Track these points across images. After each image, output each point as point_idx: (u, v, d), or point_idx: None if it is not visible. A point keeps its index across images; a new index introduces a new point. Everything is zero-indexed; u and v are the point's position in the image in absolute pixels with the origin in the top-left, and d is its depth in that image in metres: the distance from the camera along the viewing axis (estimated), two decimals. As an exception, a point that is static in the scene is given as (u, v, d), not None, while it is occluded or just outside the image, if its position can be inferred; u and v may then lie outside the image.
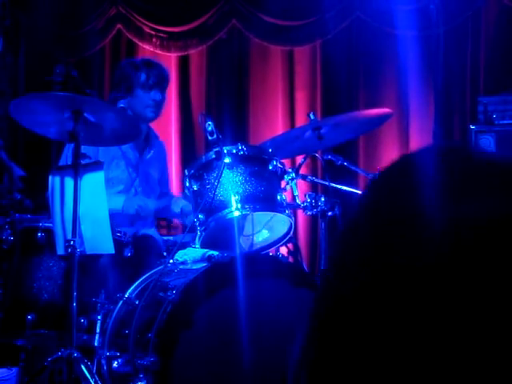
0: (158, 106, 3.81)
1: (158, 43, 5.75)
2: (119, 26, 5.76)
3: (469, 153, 0.83)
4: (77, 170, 2.86)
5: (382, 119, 3.83)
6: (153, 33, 5.74)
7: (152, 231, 3.72)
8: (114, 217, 3.18)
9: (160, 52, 5.69)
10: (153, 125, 4.02)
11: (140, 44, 5.79)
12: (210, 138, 3.03)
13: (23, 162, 4.74)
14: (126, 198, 3.61)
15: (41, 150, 5.35)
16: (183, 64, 5.85)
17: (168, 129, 5.63)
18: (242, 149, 3.01)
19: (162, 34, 5.74)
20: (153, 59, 4.18)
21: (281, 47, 5.69)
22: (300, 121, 5.58)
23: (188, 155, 5.64)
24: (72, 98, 2.89)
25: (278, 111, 5.69)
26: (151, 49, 5.74)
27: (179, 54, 5.81)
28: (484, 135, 4.16)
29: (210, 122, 3.02)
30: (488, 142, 4.15)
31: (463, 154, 0.82)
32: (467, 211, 0.75)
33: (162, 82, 3.80)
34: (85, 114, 2.93)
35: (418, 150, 0.85)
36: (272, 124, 5.65)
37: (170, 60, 5.74)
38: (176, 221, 5.03)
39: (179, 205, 3.63)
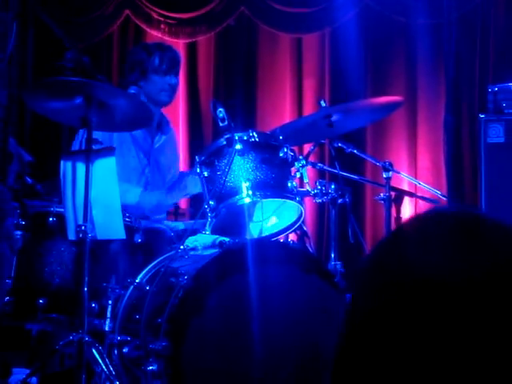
0: (173, 90, 3.83)
1: (166, 29, 5.74)
2: (127, 11, 5.74)
3: (477, 220, 0.86)
4: (88, 155, 2.87)
5: (393, 107, 3.83)
6: (161, 19, 5.72)
7: (163, 225, 3.72)
8: (125, 208, 3.19)
9: (168, 38, 5.67)
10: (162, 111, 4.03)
11: (148, 30, 5.78)
12: (221, 124, 3.04)
13: (31, 148, 4.75)
14: (141, 190, 3.62)
15: (49, 136, 5.37)
16: (191, 51, 5.84)
17: (176, 115, 5.62)
18: (253, 135, 3.02)
19: (170, 21, 5.73)
20: (164, 43, 4.19)
21: (289, 34, 5.67)
22: (308, 108, 5.57)
23: (196, 142, 5.64)
24: (84, 84, 2.90)
25: (286, 98, 5.68)
26: (159, 35, 5.72)
27: (187, 41, 5.79)
28: (493, 124, 4.14)
29: (221, 109, 3.03)
30: (497, 131, 4.14)
31: (471, 222, 0.85)
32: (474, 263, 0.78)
33: (175, 66, 3.81)
34: (96, 100, 2.93)
35: (427, 216, 0.89)
36: (280, 111, 5.65)
37: (178, 46, 5.71)
38: (184, 207, 5.05)
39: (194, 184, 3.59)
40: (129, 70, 3.87)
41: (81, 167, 2.91)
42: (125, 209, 3.11)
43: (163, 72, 3.76)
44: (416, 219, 0.88)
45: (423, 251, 0.81)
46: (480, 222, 0.84)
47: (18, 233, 3.06)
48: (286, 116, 5.58)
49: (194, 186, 3.67)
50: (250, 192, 2.93)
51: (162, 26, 5.74)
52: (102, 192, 2.94)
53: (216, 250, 2.81)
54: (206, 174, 3.06)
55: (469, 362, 0.75)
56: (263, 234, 3.20)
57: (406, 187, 4.64)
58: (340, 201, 3.33)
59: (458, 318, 0.76)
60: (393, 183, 3.63)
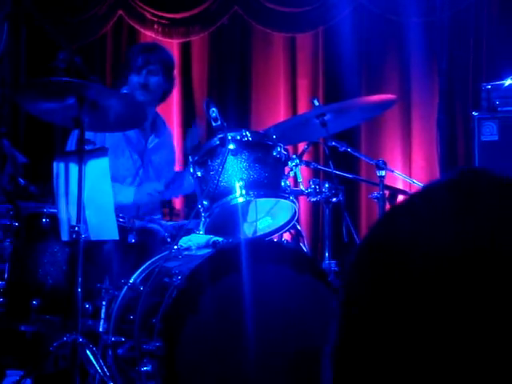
0: (147, 89, 3.75)
1: (159, 30, 5.73)
2: (121, 12, 5.73)
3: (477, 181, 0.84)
4: (81, 155, 2.86)
5: (386, 105, 3.83)
6: (154, 19, 5.72)
7: (156, 225, 3.72)
8: (121, 209, 3.19)
9: (162, 38, 5.67)
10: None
11: (142, 30, 5.78)
12: (214, 124, 3.03)
13: (25, 149, 4.74)
14: (135, 189, 3.61)
15: (42, 137, 5.36)
16: (185, 50, 5.83)
17: (170, 115, 5.62)
18: (246, 135, 3.01)
19: (163, 21, 5.72)
20: (154, 43, 4.18)
21: (283, 34, 5.67)
22: (302, 108, 5.58)
23: (190, 142, 5.63)
24: (76, 84, 2.89)
25: (280, 98, 5.68)
26: (153, 35, 5.72)
27: (181, 41, 5.79)
28: (487, 122, 4.15)
29: (214, 109, 3.02)
30: (491, 129, 4.14)
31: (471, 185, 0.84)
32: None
33: (149, 64, 3.76)
34: (89, 100, 2.93)
35: (418, 193, 0.87)
36: (274, 111, 5.65)
37: (171, 46, 5.72)
38: (178, 207, 5.05)
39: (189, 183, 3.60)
40: (120, 74, 3.90)
41: (74, 168, 2.90)
42: (118, 209, 3.10)
43: (135, 71, 3.75)
44: (408, 198, 0.86)
45: (418, 228, 0.80)
46: (474, 184, 0.82)
47: (7, 240, 3.05)
48: (280, 115, 5.58)
49: (190, 186, 3.68)
50: (244, 191, 2.93)
51: (156, 26, 5.74)
52: (95, 192, 2.94)
53: (210, 250, 2.80)
54: (199, 173, 3.06)
55: (476, 344, 0.73)
56: (257, 234, 3.20)
57: (400, 185, 4.64)
58: (334, 200, 3.32)
59: (464, 291, 0.74)
60: (387, 182, 3.63)
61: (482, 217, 0.78)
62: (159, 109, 4.12)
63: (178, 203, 5.12)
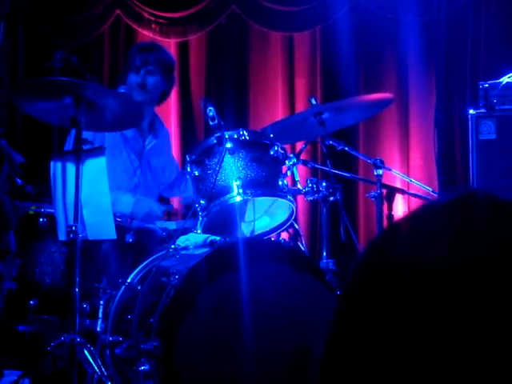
0: (143, 89, 3.76)
1: (157, 29, 5.72)
2: (118, 11, 5.73)
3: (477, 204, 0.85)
4: (78, 155, 2.86)
5: (383, 104, 3.83)
6: (152, 18, 5.71)
7: (154, 225, 3.72)
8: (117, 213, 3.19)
9: (159, 38, 5.66)
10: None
11: (139, 30, 5.77)
12: (211, 123, 3.03)
13: (22, 149, 4.73)
14: (135, 200, 3.60)
15: (40, 137, 5.35)
16: (183, 50, 5.83)
17: (168, 115, 5.61)
18: (243, 134, 3.02)
19: (161, 20, 5.71)
20: (153, 43, 4.18)
21: (281, 33, 5.67)
22: (300, 107, 5.57)
23: (188, 141, 5.63)
24: (73, 84, 2.89)
25: (278, 97, 5.67)
26: (150, 35, 5.71)
27: (179, 40, 5.78)
28: (484, 120, 4.15)
29: (211, 108, 3.02)
30: (488, 128, 4.14)
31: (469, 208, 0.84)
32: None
33: (147, 64, 3.76)
34: (85, 100, 2.93)
35: (418, 211, 0.87)
36: (272, 110, 5.64)
37: (169, 46, 5.71)
38: (176, 207, 5.04)
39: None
40: (121, 71, 3.92)
41: (71, 167, 2.90)
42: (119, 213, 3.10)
43: (134, 71, 3.76)
44: (408, 216, 0.87)
45: (417, 246, 0.80)
46: (472, 204, 0.82)
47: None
48: (278, 114, 5.58)
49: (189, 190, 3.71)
50: (241, 190, 2.93)
51: (153, 25, 5.73)
52: (93, 192, 2.94)
53: (207, 249, 2.80)
54: (196, 173, 3.06)
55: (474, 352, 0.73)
56: (255, 233, 3.20)
57: (398, 184, 4.64)
58: (332, 198, 3.32)
59: (461, 304, 0.74)
60: (385, 180, 3.63)
61: (481, 236, 0.78)
62: (157, 108, 4.12)
63: (175, 202, 5.11)
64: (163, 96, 3.92)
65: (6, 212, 2.08)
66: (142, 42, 4.44)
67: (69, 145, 3.64)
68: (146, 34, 5.72)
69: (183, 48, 5.83)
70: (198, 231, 3.00)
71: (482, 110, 4.18)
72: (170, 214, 4.66)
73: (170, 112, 5.69)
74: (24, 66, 5.64)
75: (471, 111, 4.20)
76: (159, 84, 3.81)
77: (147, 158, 3.86)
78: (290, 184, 3.16)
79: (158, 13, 5.70)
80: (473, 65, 5.20)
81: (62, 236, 2.92)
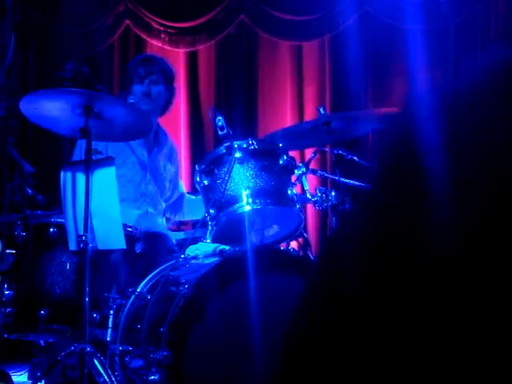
0: (149, 98, 3.80)
1: (166, 39, 5.75)
2: (127, 22, 5.76)
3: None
4: (88, 165, 2.87)
5: (391, 118, 3.82)
6: (161, 28, 5.74)
7: (162, 228, 3.73)
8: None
9: (168, 48, 5.70)
10: (162, 120, 4.03)
11: (148, 40, 5.80)
12: (220, 132, 3.04)
13: (32, 159, 4.76)
14: (139, 214, 3.62)
15: (50, 147, 5.37)
16: (192, 59, 5.85)
17: (177, 124, 5.64)
18: (253, 143, 3.02)
19: (170, 30, 5.74)
20: (153, 55, 4.21)
21: (289, 42, 5.69)
22: (309, 116, 5.58)
23: (197, 150, 5.65)
24: (83, 94, 2.90)
25: (287, 106, 5.69)
26: (159, 44, 5.74)
27: (188, 50, 5.81)
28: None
29: (220, 117, 3.03)
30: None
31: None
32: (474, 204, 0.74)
33: (152, 74, 3.81)
34: (96, 110, 2.94)
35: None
36: (281, 119, 5.65)
37: (178, 56, 5.75)
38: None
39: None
40: (122, 86, 3.96)
41: (81, 177, 2.91)
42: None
43: (138, 81, 3.79)
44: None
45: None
46: None
47: (11, 251, 3.06)
48: (287, 123, 5.59)
49: (191, 211, 3.75)
50: (250, 200, 2.93)
51: (162, 35, 5.76)
52: (103, 202, 2.94)
53: (217, 259, 2.81)
54: (205, 182, 3.06)
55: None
56: (264, 242, 3.20)
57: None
58: (341, 208, 3.32)
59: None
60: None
61: None
62: (166, 118, 4.14)
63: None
64: (166, 106, 3.94)
65: None
66: (142, 54, 4.48)
67: (77, 155, 3.65)
68: (155, 44, 5.75)
69: (192, 57, 5.85)
70: (208, 240, 3.00)
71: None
72: (178, 224, 4.67)
73: (178, 121, 5.71)
74: (34, 76, 5.68)
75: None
76: (162, 93, 3.85)
77: (152, 168, 3.87)
78: (299, 193, 3.16)
79: (167, 23, 5.73)
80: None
81: (72, 246, 2.93)
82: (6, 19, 3.49)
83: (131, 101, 3.78)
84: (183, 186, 4.22)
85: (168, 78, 3.88)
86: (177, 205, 4.05)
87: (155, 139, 3.92)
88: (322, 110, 3.45)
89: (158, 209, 3.86)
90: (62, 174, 2.98)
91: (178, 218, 4.12)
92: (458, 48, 5.12)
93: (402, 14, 5.31)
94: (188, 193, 4.13)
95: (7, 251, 3.06)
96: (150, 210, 3.76)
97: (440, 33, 5.18)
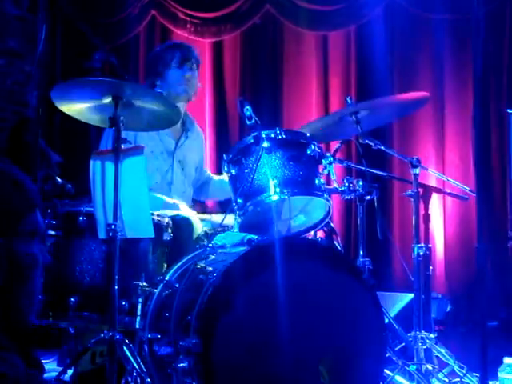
0: (189, 83, 3.86)
1: (192, 29, 5.76)
2: (154, 12, 5.77)
3: None
4: (117, 154, 2.89)
5: (419, 103, 3.82)
6: (187, 18, 5.75)
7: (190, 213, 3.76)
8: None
9: (194, 38, 5.70)
10: (187, 110, 4.05)
11: (174, 30, 5.80)
12: (248, 122, 3.05)
13: (60, 148, 4.80)
14: (164, 202, 3.66)
15: (77, 136, 5.41)
16: (217, 49, 5.86)
17: (202, 114, 5.65)
18: (280, 133, 3.03)
19: (196, 20, 5.75)
20: (184, 42, 4.24)
21: (315, 32, 5.67)
22: (334, 106, 5.57)
23: (222, 140, 5.66)
24: (112, 84, 2.93)
25: (313, 97, 5.67)
26: (185, 34, 5.74)
27: (213, 40, 5.81)
28: (522, 119, 4.13)
29: (248, 107, 3.04)
30: (525, 126, 4.12)
31: None
32: None
33: (187, 60, 3.86)
34: (124, 100, 2.96)
35: None
36: (306, 110, 5.65)
37: (203, 46, 5.75)
38: (211, 207, 5.07)
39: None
40: (148, 71, 3.97)
41: (110, 166, 2.93)
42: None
43: (176, 66, 3.83)
44: None
45: None
46: None
47: (51, 232, 3.09)
48: (312, 114, 5.58)
49: (215, 193, 3.79)
50: (278, 189, 2.94)
51: (188, 25, 5.77)
52: (132, 191, 2.97)
53: (244, 248, 2.82)
54: (233, 172, 3.08)
55: None
56: (291, 232, 3.20)
57: (433, 183, 4.61)
58: (367, 197, 3.33)
59: None
60: (420, 179, 3.62)
61: None
62: (192, 107, 4.16)
63: (210, 202, 5.14)
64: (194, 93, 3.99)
65: (27, 191, 2.09)
66: (172, 41, 4.52)
67: (104, 144, 3.69)
68: (181, 34, 5.75)
69: (218, 48, 5.86)
70: (235, 230, 3.02)
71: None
72: (204, 212, 4.70)
73: (204, 111, 5.73)
74: (62, 66, 5.71)
75: (509, 110, 4.16)
76: (197, 80, 3.91)
77: (180, 155, 3.90)
78: (326, 183, 3.17)
79: (192, 13, 5.73)
80: (510, 63, 5.15)
81: (101, 234, 2.96)
82: (37, 11, 3.53)
83: (159, 89, 3.81)
84: (209, 171, 4.25)
85: (198, 65, 3.94)
86: (203, 189, 4.10)
87: (182, 127, 3.95)
88: (349, 99, 3.45)
89: (185, 197, 3.89)
90: (91, 162, 3.01)
91: (202, 198, 4.17)
92: (486, 37, 5.07)
93: (429, 3, 5.27)
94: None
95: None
96: (176, 198, 3.79)
97: (467, 22, 5.14)
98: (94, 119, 3.14)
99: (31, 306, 2.14)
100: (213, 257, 2.93)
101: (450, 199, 5.20)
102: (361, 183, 3.29)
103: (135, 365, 2.73)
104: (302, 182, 3.00)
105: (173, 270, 3.00)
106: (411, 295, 3.69)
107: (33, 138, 3.27)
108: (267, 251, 2.69)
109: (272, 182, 2.95)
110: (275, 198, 2.95)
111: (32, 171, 3.33)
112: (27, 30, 4.11)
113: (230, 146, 3.25)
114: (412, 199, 3.56)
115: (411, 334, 3.44)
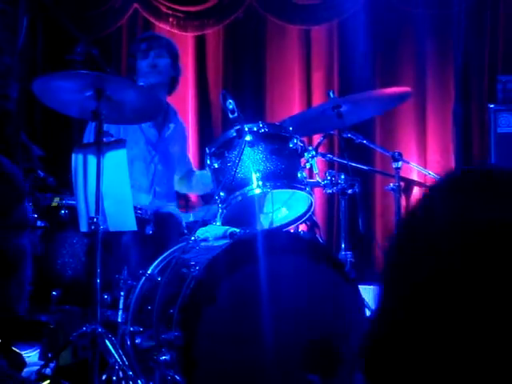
0: (156, 70, 3.83)
1: (174, 23, 5.74)
2: (136, 5, 5.75)
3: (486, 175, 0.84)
4: (99, 147, 2.89)
5: (401, 97, 3.84)
6: (169, 12, 5.73)
7: (172, 208, 3.76)
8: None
9: (177, 32, 5.69)
10: (170, 102, 4.05)
11: (156, 23, 5.79)
12: (230, 116, 3.05)
13: (42, 142, 4.77)
14: (151, 199, 3.66)
15: (59, 129, 5.39)
16: (200, 44, 5.85)
17: (185, 108, 5.64)
18: (263, 127, 3.03)
19: (178, 14, 5.73)
20: (154, 33, 4.26)
21: (298, 27, 5.67)
22: (317, 100, 5.58)
23: (205, 134, 5.66)
24: (95, 77, 2.91)
25: (295, 91, 5.68)
26: (168, 28, 5.73)
27: (196, 34, 5.80)
28: (503, 114, 4.15)
29: (231, 101, 3.04)
30: (507, 121, 4.14)
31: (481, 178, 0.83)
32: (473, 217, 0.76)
33: (156, 48, 3.84)
34: (107, 93, 2.95)
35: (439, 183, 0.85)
36: (289, 104, 5.65)
37: (186, 40, 5.75)
38: (194, 199, 5.07)
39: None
40: (126, 68, 4.00)
41: (92, 160, 2.93)
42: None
43: (141, 56, 3.83)
44: (442, 181, 0.85)
45: (458, 208, 0.78)
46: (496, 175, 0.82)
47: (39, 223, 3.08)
48: (295, 108, 5.59)
49: (198, 187, 3.79)
50: (260, 183, 2.95)
51: (171, 19, 5.75)
52: (114, 184, 2.96)
53: (227, 241, 2.82)
54: (216, 165, 3.08)
55: None
56: (273, 225, 3.21)
57: (415, 177, 4.64)
58: (350, 191, 3.34)
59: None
60: (402, 173, 3.64)
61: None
62: (175, 102, 4.15)
63: (193, 195, 5.14)
64: (173, 84, 3.96)
65: (16, 183, 2.09)
66: (144, 34, 4.54)
67: (88, 137, 3.68)
68: (164, 28, 5.74)
69: (200, 42, 5.85)
70: (218, 223, 3.02)
71: (501, 104, 4.18)
72: (187, 206, 4.70)
73: (187, 105, 5.72)
74: (43, 59, 5.68)
75: (490, 105, 4.19)
76: (169, 67, 3.88)
77: (163, 147, 3.90)
78: (308, 176, 3.18)
79: (175, 6, 5.72)
80: (491, 58, 5.18)
81: (83, 227, 2.95)
82: (18, 2, 3.50)
83: (141, 83, 3.80)
84: (191, 162, 4.25)
85: (172, 51, 3.91)
86: (185, 181, 4.10)
87: (165, 119, 3.94)
88: (331, 94, 3.46)
89: (167, 188, 3.89)
90: (73, 156, 3.00)
91: (184, 191, 4.16)
92: (467, 32, 5.10)
93: (411, -2, 5.29)
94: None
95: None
96: (158, 189, 3.79)
97: (449, 17, 5.17)
98: (75, 112, 3.13)
99: (21, 295, 2.14)
100: (195, 250, 2.93)
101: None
102: (343, 177, 3.30)
103: (117, 358, 2.73)
104: (285, 175, 3.01)
105: (155, 263, 3.00)
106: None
107: (13, 131, 3.24)
108: (250, 244, 2.70)
109: (254, 176, 2.95)
110: (258, 191, 2.95)
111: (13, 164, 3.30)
112: (7, 23, 4.08)
113: (213, 139, 3.25)
114: (394, 193, 3.58)
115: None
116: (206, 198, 4.11)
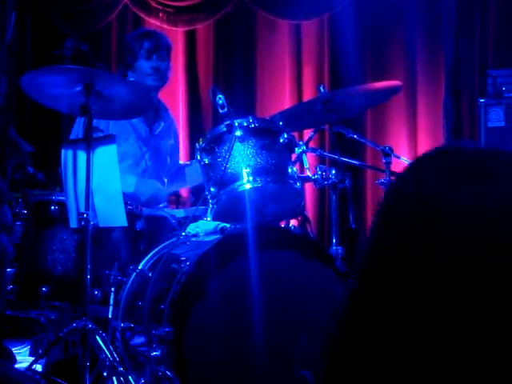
0: (159, 74, 3.81)
1: (164, 18, 5.73)
2: (126, 0, 5.73)
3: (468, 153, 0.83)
4: (89, 143, 2.87)
5: (392, 91, 3.83)
6: (159, 7, 5.71)
7: (165, 211, 3.74)
8: (127, 197, 3.21)
9: (167, 27, 5.67)
10: (161, 97, 4.03)
11: (146, 19, 5.77)
12: (220, 111, 3.03)
13: (31, 137, 4.75)
14: (137, 180, 3.63)
15: (49, 125, 5.36)
16: (190, 39, 5.83)
17: (176, 103, 5.62)
18: (253, 122, 3.02)
19: (168, 9, 5.72)
20: (155, 29, 4.21)
21: (288, 21, 5.66)
22: (307, 95, 5.57)
23: (195, 130, 5.64)
24: (84, 72, 2.90)
25: (286, 85, 5.68)
26: (158, 23, 5.71)
27: (186, 29, 5.79)
28: (493, 108, 4.16)
29: (220, 96, 3.02)
30: (497, 115, 4.15)
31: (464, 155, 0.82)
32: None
33: (158, 50, 3.81)
34: (96, 88, 2.94)
35: (429, 153, 0.84)
36: (279, 98, 5.65)
37: (176, 35, 5.72)
38: (185, 195, 5.06)
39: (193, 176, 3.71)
40: (120, 59, 3.94)
41: (82, 155, 2.91)
42: (126, 196, 3.12)
43: (144, 57, 3.78)
44: (432, 153, 0.84)
45: (446, 182, 0.77)
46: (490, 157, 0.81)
47: (18, 223, 3.07)
48: (286, 102, 5.58)
49: (193, 179, 3.75)
50: (251, 178, 2.94)
51: (161, 14, 5.73)
52: (104, 180, 2.95)
53: (217, 236, 2.82)
54: (206, 160, 3.06)
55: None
56: (264, 220, 3.20)
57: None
58: (340, 186, 3.34)
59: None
60: (393, 168, 3.64)
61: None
62: (165, 97, 4.13)
63: (184, 191, 5.13)
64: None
65: None
66: (141, 29, 4.46)
67: (76, 133, 3.66)
68: (154, 23, 5.72)
69: (191, 37, 5.83)
70: (208, 218, 3.01)
71: (491, 98, 4.18)
72: (178, 202, 4.69)
73: (177, 100, 5.70)
74: (32, 54, 5.66)
75: (480, 99, 4.20)
76: (168, 69, 3.88)
77: (154, 143, 3.89)
78: (299, 171, 3.17)
79: (165, 1, 5.70)
80: (481, 52, 5.19)
81: (73, 223, 2.94)
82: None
83: (131, 79, 3.78)
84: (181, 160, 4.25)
85: (170, 53, 3.90)
86: (177, 175, 4.08)
87: (156, 115, 3.93)
88: (322, 88, 3.45)
89: (159, 181, 3.88)
90: (62, 151, 2.99)
91: (179, 187, 4.14)
92: (458, 26, 5.10)
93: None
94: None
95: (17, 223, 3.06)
96: None
97: (439, 11, 5.17)
98: (65, 107, 3.12)
99: (1, 294, 2.13)
100: (186, 245, 2.92)
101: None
102: (334, 172, 3.30)
103: (108, 354, 2.72)
104: (275, 170, 3.00)
105: (146, 259, 3.00)
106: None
107: (2, 127, 3.23)
108: (240, 240, 2.70)
109: (245, 171, 2.94)
110: (248, 186, 2.94)
111: (2, 160, 3.29)
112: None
113: (203, 134, 3.24)
114: (384, 187, 3.58)
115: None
116: (197, 194, 4.10)
